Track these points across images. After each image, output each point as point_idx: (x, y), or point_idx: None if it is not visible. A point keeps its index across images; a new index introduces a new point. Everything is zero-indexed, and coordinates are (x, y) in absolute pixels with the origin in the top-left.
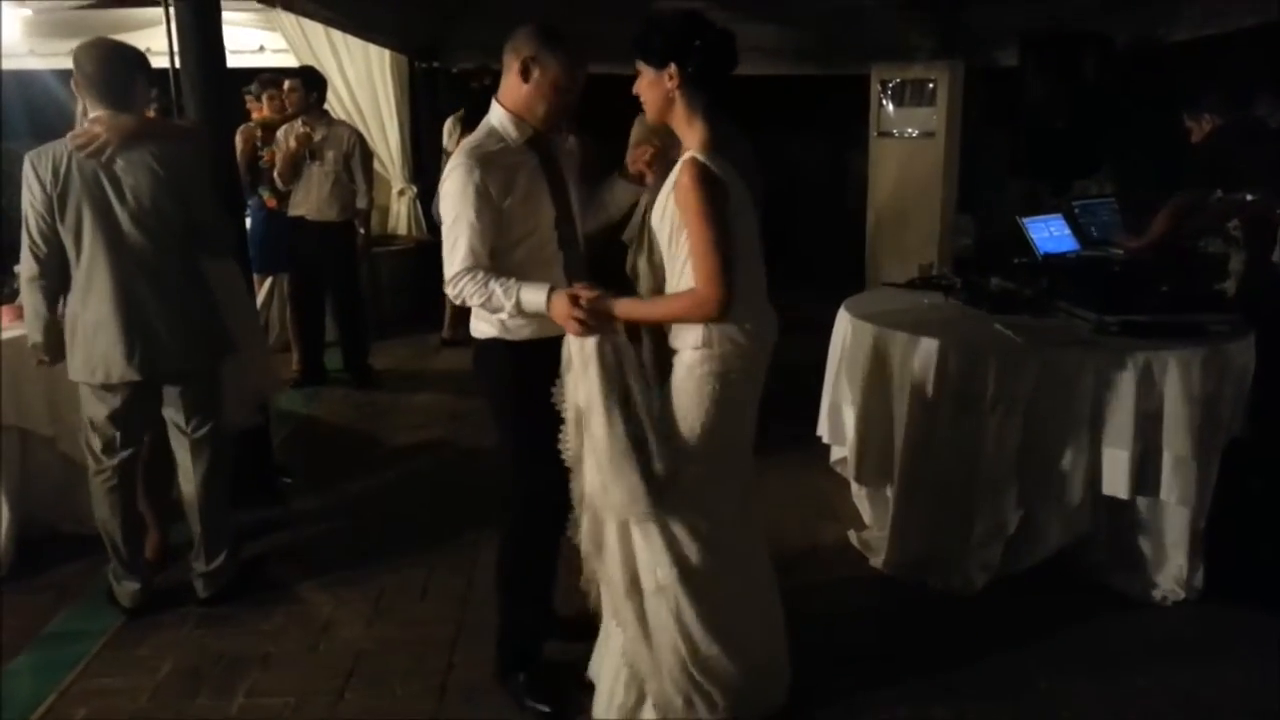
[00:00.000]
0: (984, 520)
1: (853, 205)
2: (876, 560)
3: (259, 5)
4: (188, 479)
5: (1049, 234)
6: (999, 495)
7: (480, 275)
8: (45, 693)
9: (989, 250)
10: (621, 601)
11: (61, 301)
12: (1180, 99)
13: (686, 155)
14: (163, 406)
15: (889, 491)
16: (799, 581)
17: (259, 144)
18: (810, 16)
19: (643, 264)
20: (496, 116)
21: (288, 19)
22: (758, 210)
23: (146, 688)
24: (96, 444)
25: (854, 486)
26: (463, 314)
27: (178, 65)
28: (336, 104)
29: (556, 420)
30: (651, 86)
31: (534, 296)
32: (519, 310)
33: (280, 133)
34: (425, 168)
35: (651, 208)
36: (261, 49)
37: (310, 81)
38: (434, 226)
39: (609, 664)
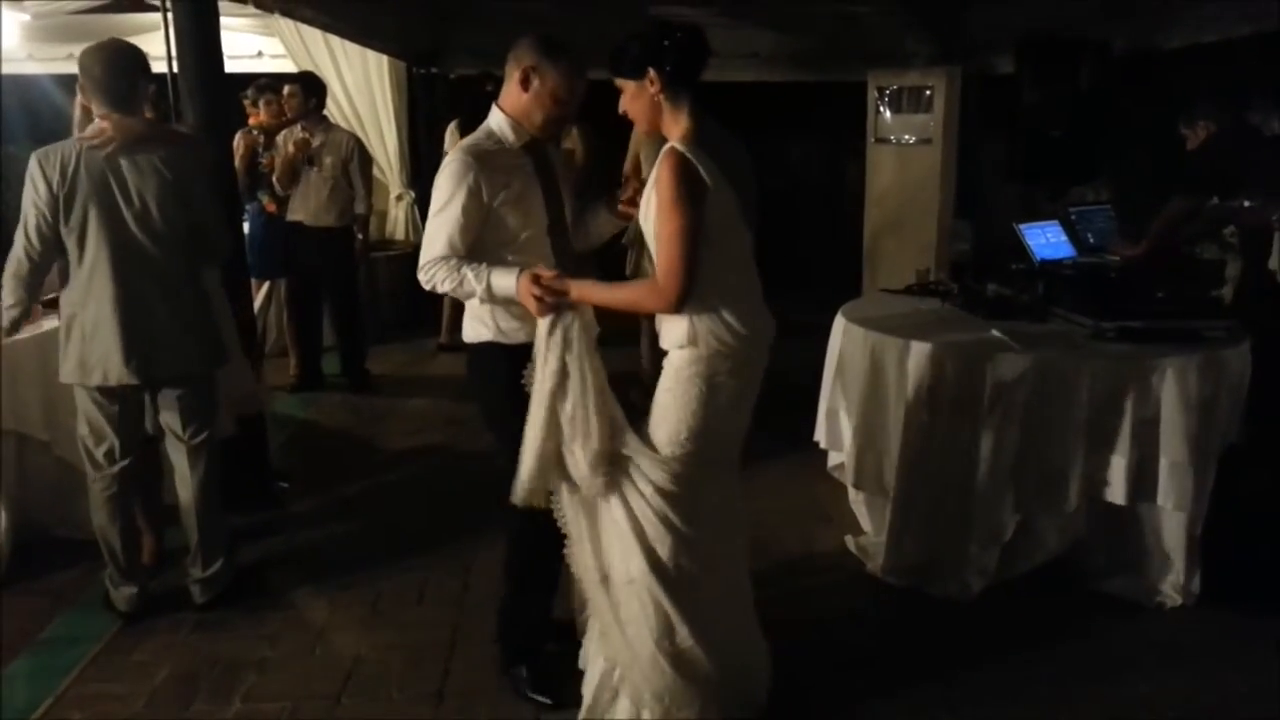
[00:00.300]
0: (981, 526)
1: (850, 211)
2: (874, 565)
3: (257, 11)
4: (184, 485)
5: (1046, 240)
6: (996, 501)
7: (453, 261)
8: (41, 697)
9: (986, 256)
10: (594, 591)
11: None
12: (1176, 106)
13: (666, 146)
14: (160, 412)
15: (886, 497)
16: (796, 586)
17: (259, 148)
18: (808, 23)
19: (646, 265)
20: (495, 120)
21: (286, 25)
22: (751, 218)
23: (143, 693)
24: (96, 451)
25: (851, 492)
26: (459, 319)
27: (176, 70)
28: (335, 109)
29: None
30: (636, 98)
31: (504, 280)
32: (489, 294)
33: (280, 137)
34: (423, 173)
35: None
36: (260, 54)
37: (310, 87)
38: None
39: (593, 653)
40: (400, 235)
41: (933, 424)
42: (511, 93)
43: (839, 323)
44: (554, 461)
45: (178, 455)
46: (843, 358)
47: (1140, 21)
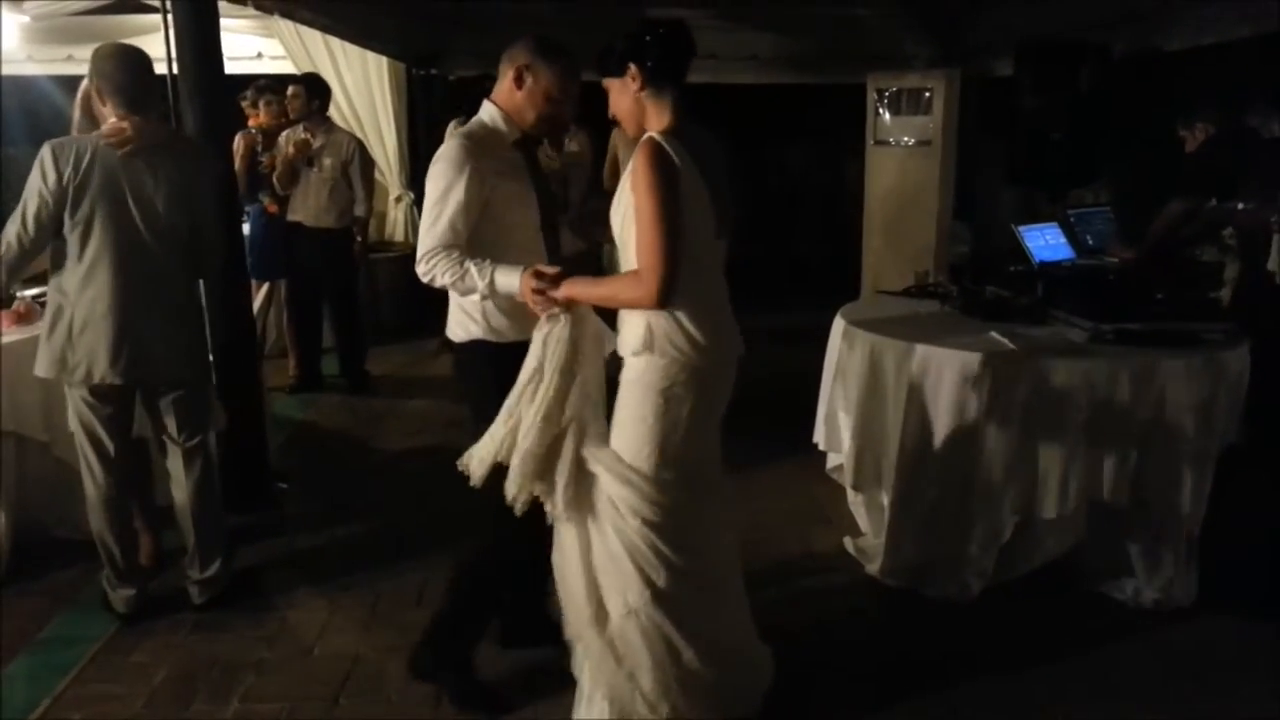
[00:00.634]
0: (979, 527)
1: (849, 213)
2: (872, 567)
3: (257, 12)
4: (180, 488)
5: (1045, 242)
6: (994, 502)
7: (455, 254)
8: (40, 698)
9: (985, 258)
10: (584, 630)
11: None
12: (1175, 108)
13: (645, 136)
14: (155, 415)
15: (885, 498)
16: (795, 587)
17: (258, 149)
18: (807, 25)
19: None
20: (489, 112)
21: (285, 26)
22: (727, 228)
23: (141, 694)
24: (91, 454)
25: (850, 493)
26: None
27: (175, 71)
28: (334, 111)
29: None
30: (620, 96)
31: (508, 277)
32: (491, 290)
33: (282, 138)
34: (422, 174)
35: None
36: (259, 56)
37: (314, 88)
38: None
39: (589, 690)
40: (400, 237)
41: (931, 426)
42: (505, 89)
43: (838, 324)
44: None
45: (173, 458)
46: (842, 359)
47: (1140, 24)
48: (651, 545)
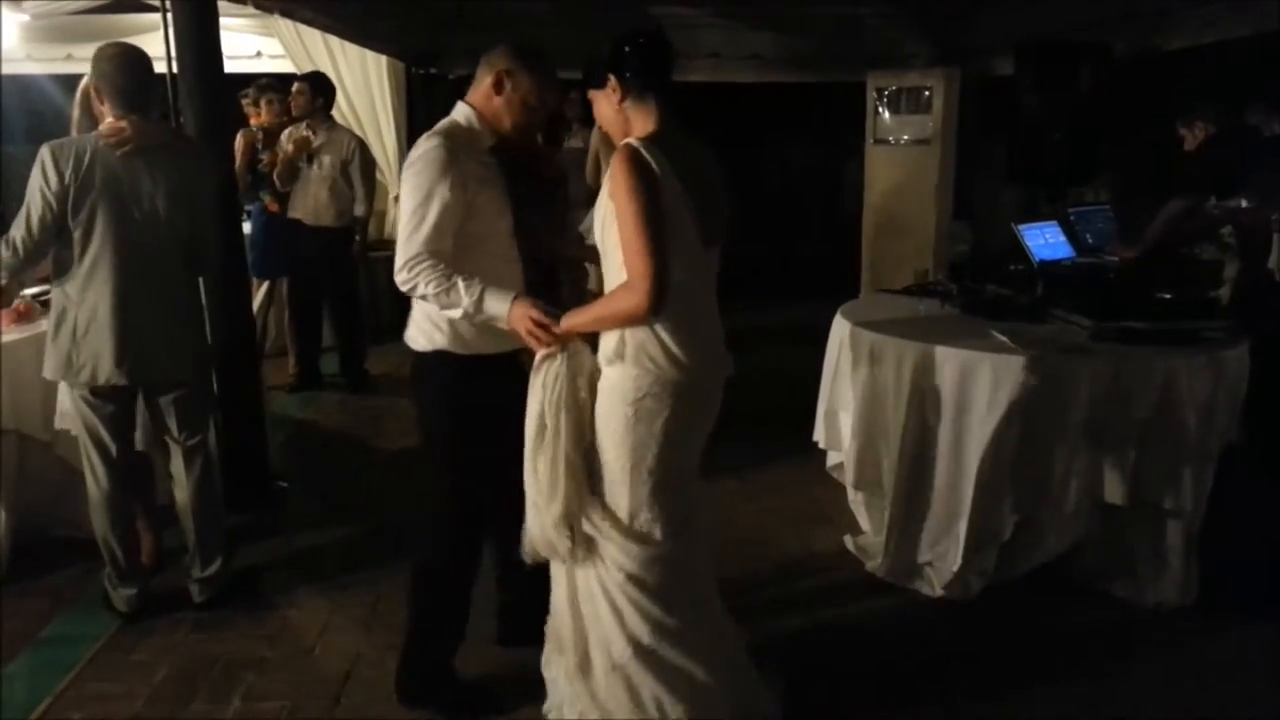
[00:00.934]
0: (980, 526)
1: (849, 211)
2: (872, 565)
3: (257, 11)
4: (181, 487)
5: (1045, 241)
6: (995, 501)
7: (442, 266)
8: (41, 697)
9: (985, 257)
10: (571, 682)
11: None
12: (1175, 107)
13: (622, 142)
14: (156, 414)
15: (885, 497)
16: (795, 586)
17: (259, 146)
18: (808, 24)
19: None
20: (465, 114)
21: (285, 25)
22: (718, 233)
23: (142, 692)
24: (94, 453)
25: (850, 492)
26: None
27: (175, 70)
28: (334, 110)
29: (497, 441)
30: (603, 107)
31: (498, 304)
32: (478, 310)
33: (283, 135)
34: None
35: None
36: (259, 55)
37: (319, 86)
38: None
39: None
40: None
41: (931, 424)
42: (482, 93)
43: (838, 323)
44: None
45: (174, 457)
46: (842, 358)
47: (1139, 23)
48: (638, 603)
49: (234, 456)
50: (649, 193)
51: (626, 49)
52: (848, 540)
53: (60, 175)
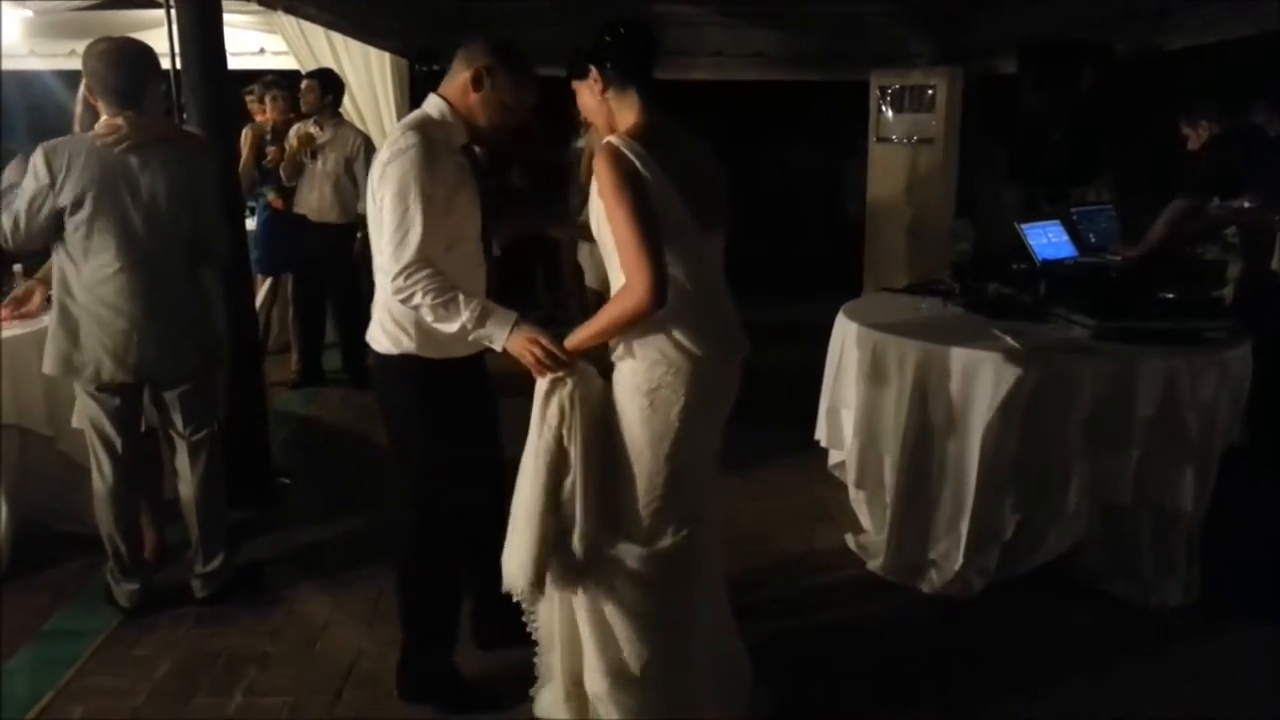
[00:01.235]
0: (981, 525)
1: (851, 210)
2: (874, 564)
3: (260, 8)
4: (185, 482)
5: (1047, 240)
6: (996, 500)
7: (440, 276)
8: (43, 691)
9: (987, 256)
10: (562, 703)
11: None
12: (1178, 106)
13: (604, 140)
14: (161, 409)
15: (887, 496)
16: (796, 584)
17: (267, 137)
18: (810, 23)
19: (595, 255)
20: (438, 108)
21: (288, 22)
22: (717, 217)
23: (144, 687)
24: (99, 448)
25: (852, 490)
26: None
27: (179, 67)
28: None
29: (465, 443)
30: (586, 97)
31: (498, 328)
32: (476, 328)
33: (291, 131)
34: None
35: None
36: (262, 51)
37: (327, 83)
38: None
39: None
40: None
41: (933, 423)
42: (458, 88)
43: (840, 321)
44: (553, 541)
45: (179, 452)
46: (844, 356)
47: (1142, 22)
48: (636, 617)
49: (236, 452)
50: (633, 191)
51: (608, 39)
52: (849, 539)
53: (52, 176)
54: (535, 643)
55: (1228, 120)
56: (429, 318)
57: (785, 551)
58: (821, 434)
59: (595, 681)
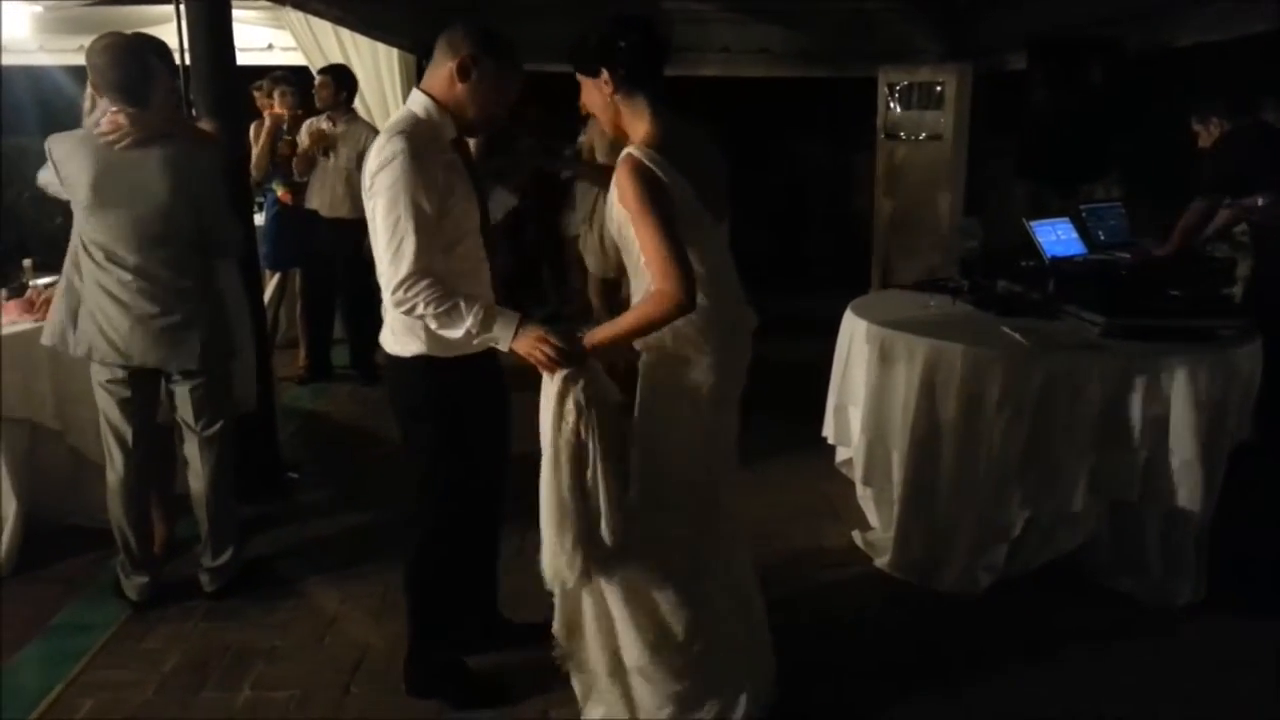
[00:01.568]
0: (989, 522)
1: (860, 207)
2: (881, 561)
3: (268, 4)
4: (196, 476)
5: (1056, 237)
6: (1004, 497)
7: (440, 285)
8: (52, 684)
9: (996, 253)
10: (606, 685)
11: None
12: (1189, 103)
13: (624, 152)
14: (174, 403)
15: (894, 493)
16: (803, 581)
17: (284, 128)
18: (818, 19)
19: (592, 241)
20: (423, 105)
21: (296, 17)
22: (723, 207)
23: (153, 680)
24: (112, 440)
25: (859, 487)
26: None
27: (188, 62)
28: None
29: (477, 441)
30: (594, 95)
31: (503, 327)
32: (481, 331)
33: (304, 126)
34: None
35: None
36: (270, 47)
37: (341, 79)
38: None
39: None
40: None
41: (941, 420)
42: (443, 79)
43: (848, 318)
44: (586, 532)
45: (190, 446)
46: (852, 353)
47: (1152, 19)
48: (666, 594)
49: (245, 447)
50: (658, 201)
51: (621, 44)
52: (856, 536)
53: (55, 167)
54: (539, 638)
55: (1238, 117)
56: (433, 325)
57: (792, 548)
58: (829, 430)
59: (635, 655)
